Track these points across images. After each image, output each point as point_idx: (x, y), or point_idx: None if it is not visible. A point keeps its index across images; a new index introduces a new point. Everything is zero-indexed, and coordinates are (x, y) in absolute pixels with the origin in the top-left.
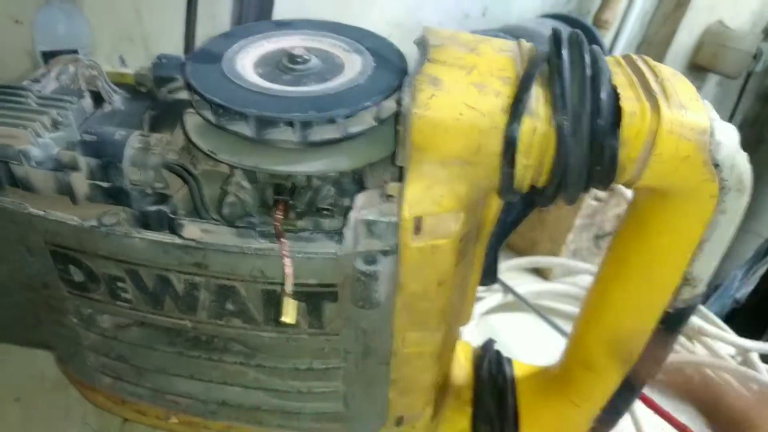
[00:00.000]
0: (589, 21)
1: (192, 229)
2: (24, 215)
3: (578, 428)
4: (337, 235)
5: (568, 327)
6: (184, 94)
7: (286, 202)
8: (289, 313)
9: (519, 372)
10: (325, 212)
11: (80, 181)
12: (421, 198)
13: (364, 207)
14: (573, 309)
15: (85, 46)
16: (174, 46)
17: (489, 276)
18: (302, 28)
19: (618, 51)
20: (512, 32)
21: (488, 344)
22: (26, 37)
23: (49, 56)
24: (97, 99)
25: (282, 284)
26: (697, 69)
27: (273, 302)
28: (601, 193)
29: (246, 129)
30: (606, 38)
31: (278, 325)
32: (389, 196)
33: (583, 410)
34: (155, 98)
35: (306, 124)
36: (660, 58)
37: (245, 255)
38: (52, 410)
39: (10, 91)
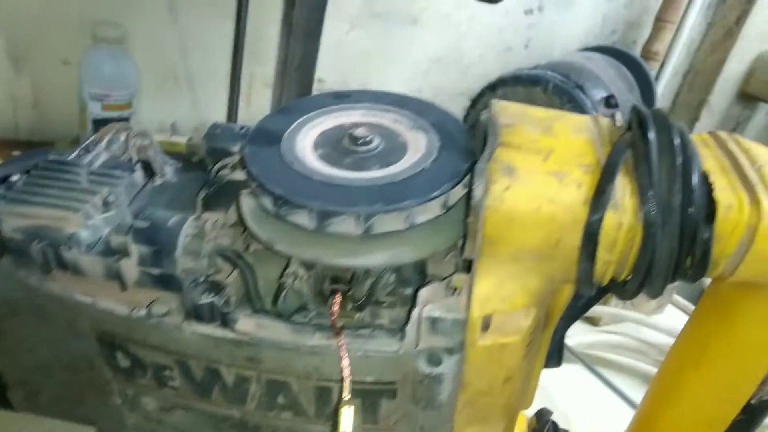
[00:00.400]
0: (636, 52)
1: (246, 324)
2: (71, 301)
3: None
4: (399, 331)
5: (615, 379)
6: (239, 173)
7: (344, 292)
8: (346, 424)
9: None
10: (385, 303)
11: (130, 268)
12: (491, 295)
13: (428, 301)
14: (622, 359)
15: (131, 86)
16: (216, 86)
17: (554, 360)
18: (362, 101)
19: (664, 80)
20: (558, 69)
21: (544, 414)
22: (74, 77)
23: (100, 124)
24: (148, 169)
25: (337, 381)
26: (747, 98)
27: (326, 398)
28: None
29: (306, 220)
30: (653, 69)
31: (331, 419)
32: (455, 289)
33: None
34: (206, 169)
35: (370, 215)
36: (709, 86)
37: (300, 351)
38: None
39: (61, 167)
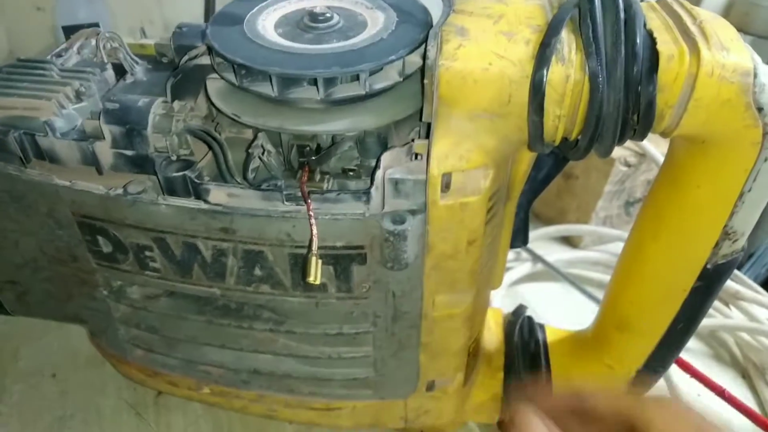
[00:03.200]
0: None
1: (218, 194)
2: (50, 186)
3: None
4: (364, 195)
5: (599, 294)
6: (205, 61)
7: (310, 163)
8: (314, 273)
9: (551, 337)
10: (350, 173)
11: (105, 151)
12: (448, 154)
13: (390, 166)
14: (604, 276)
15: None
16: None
17: (519, 238)
18: None
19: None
20: None
21: (519, 310)
22: (48, 22)
23: (70, 31)
24: (119, 71)
25: (309, 247)
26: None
27: (300, 266)
28: (632, 158)
29: (269, 89)
30: None
31: (306, 290)
32: (416, 155)
33: (617, 373)
34: (177, 67)
35: (330, 82)
36: None
37: (272, 218)
38: (87, 385)
39: (32, 64)
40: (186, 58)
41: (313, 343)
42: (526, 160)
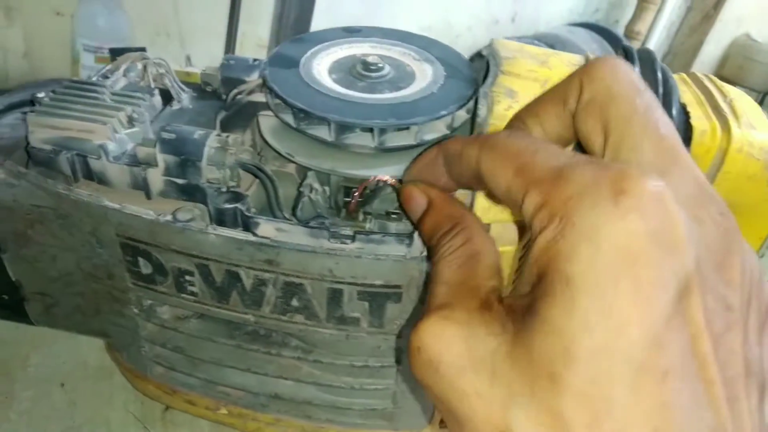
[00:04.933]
0: (619, 31)
1: (267, 228)
2: (99, 208)
3: None
4: (407, 238)
5: None
6: (255, 98)
7: (357, 203)
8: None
9: None
10: (392, 215)
11: (156, 177)
12: (491, 207)
13: None
14: None
15: (124, 39)
16: (208, 43)
17: None
18: (371, 36)
19: None
20: (544, 39)
21: None
22: (66, 29)
23: (116, 53)
24: (165, 97)
25: (348, 284)
26: (721, 81)
27: (337, 301)
28: None
29: (326, 134)
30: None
31: (339, 323)
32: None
33: None
34: (221, 98)
35: (383, 131)
36: (686, 68)
37: (316, 254)
38: (95, 396)
39: (85, 86)
40: (235, 92)
41: (337, 372)
42: None
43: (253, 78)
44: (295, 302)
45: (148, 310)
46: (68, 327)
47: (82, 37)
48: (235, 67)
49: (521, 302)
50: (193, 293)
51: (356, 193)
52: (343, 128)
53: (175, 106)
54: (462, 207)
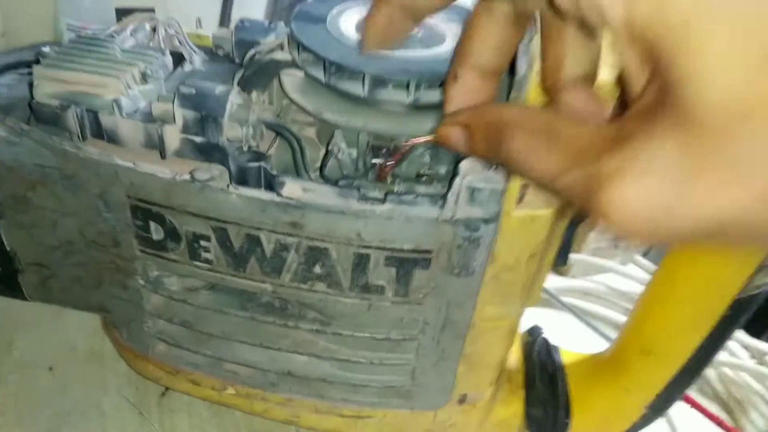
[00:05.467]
0: None
1: (293, 188)
2: (109, 166)
3: (630, 414)
4: (441, 199)
5: (596, 324)
6: (277, 54)
7: (385, 164)
8: None
9: (566, 359)
10: (423, 178)
11: (173, 135)
12: None
13: (468, 173)
14: (593, 306)
15: (110, 20)
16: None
17: (562, 257)
18: None
19: None
20: None
21: (535, 330)
22: (49, 7)
23: (122, 13)
24: (176, 60)
25: (376, 248)
26: None
27: (362, 268)
28: None
29: (358, 89)
30: None
31: (363, 292)
32: (493, 165)
33: (636, 397)
34: (234, 62)
35: (419, 86)
36: None
37: (344, 215)
38: (86, 381)
39: (95, 41)
40: (253, 52)
41: (355, 347)
42: None
43: (270, 39)
44: (317, 269)
45: (155, 281)
46: (65, 302)
47: (66, 16)
48: (250, 29)
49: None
50: (207, 260)
51: (391, 159)
52: (378, 83)
53: (187, 67)
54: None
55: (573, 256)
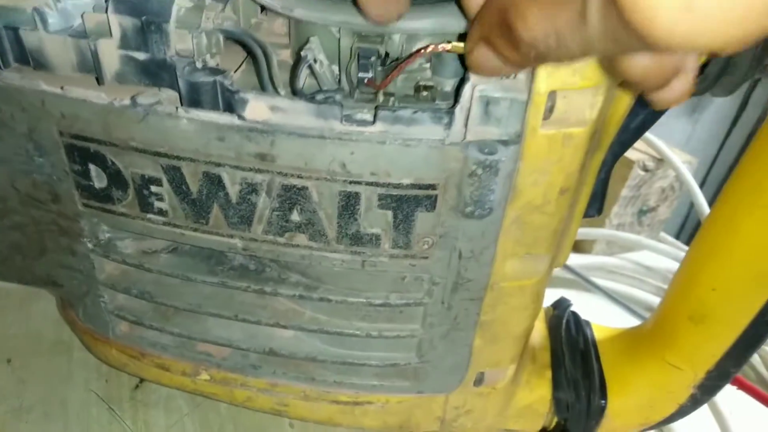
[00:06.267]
0: None
1: (258, 107)
2: (35, 95)
3: (676, 396)
4: (447, 115)
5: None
6: None
7: (372, 77)
8: None
9: (599, 334)
10: (423, 92)
11: (110, 51)
12: (558, 67)
13: (481, 81)
14: (620, 286)
15: None
16: None
17: (595, 204)
18: None
19: None
20: None
21: (562, 303)
22: None
23: None
24: None
25: (367, 184)
26: None
27: (351, 211)
28: (650, 163)
29: None
30: None
31: (354, 244)
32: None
33: (684, 373)
34: None
35: None
36: None
37: (325, 141)
38: (50, 374)
39: None
40: None
41: (349, 316)
42: (624, 102)
43: None
44: (295, 216)
45: (105, 244)
46: (6, 275)
47: None
48: None
49: None
50: (161, 212)
51: (387, 71)
52: None
53: None
54: None
55: (595, 231)
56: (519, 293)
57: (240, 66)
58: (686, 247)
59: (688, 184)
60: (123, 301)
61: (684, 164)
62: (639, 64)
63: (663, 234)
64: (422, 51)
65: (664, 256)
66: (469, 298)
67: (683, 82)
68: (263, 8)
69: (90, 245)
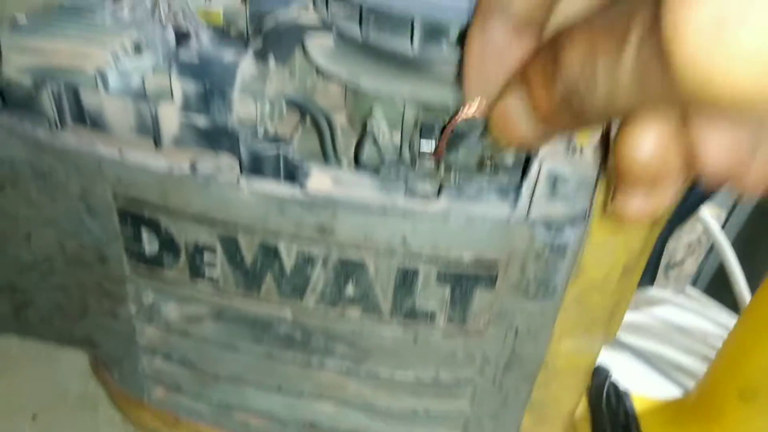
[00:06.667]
0: None
1: (321, 179)
2: (92, 158)
3: None
4: (514, 192)
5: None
6: (300, 20)
7: (443, 146)
8: None
9: (639, 406)
10: (487, 166)
11: (170, 115)
12: None
13: (548, 156)
14: (651, 344)
15: None
16: None
17: (648, 276)
18: None
19: None
20: None
21: (601, 372)
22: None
23: None
24: (179, 38)
25: (426, 262)
26: None
27: (408, 287)
28: None
29: (405, 43)
30: None
31: (407, 318)
32: (579, 149)
33: None
34: (248, 42)
35: None
36: None
37: (387, 216)
38: (75, 430)
39: (80, 9)
40: (271, 20)
41: (395, 391)
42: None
43: (293, 6)
44: (350, 289)
45: (149, 308)
46: (44, 334)
47: None
48: None
49: None
50: (212, 279)
51: (442, 137)
52: (432, 33)
53: (192, 45)
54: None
55: None
56: (572, 372)
57: (297, 129)
58: (713, 302)
59: (717, 239)
60: (162, 365)
61: (712, 218)
62: (716, 146)
63: (689, 288)
64: (458, 117)
65: (690, 312)
66: (521, 377)
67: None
68: (315, 65)
69: (133, 309)
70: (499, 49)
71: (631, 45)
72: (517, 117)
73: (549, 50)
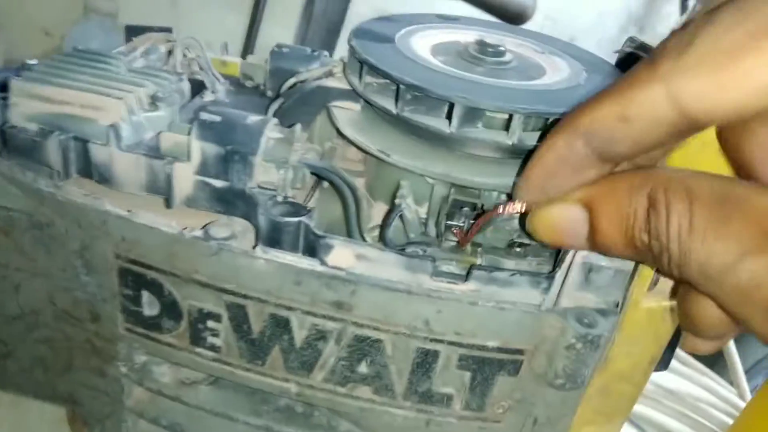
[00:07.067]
0: None
1: (343, 254)
2: (97, 215)
3: None
4: (545, 280)
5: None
6: (327, 82)
7: (463, 227)
8: None
9: None
10: (516, 248)
11: (185, 176)
12: None
13: None
14: (638, 407)
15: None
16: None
17: (664, 361)
18: (473, 25)
19: None
20: None
21: None
22: (54, 50)
23: (134, 32)
24: (195, 87)
25: (449, 344)
26: None
27: (426, 369)
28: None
29: (443, 122)
30: None
31: (422, 401)
32: None
33: None
34: (265, 94)
35: (527, 122)
36: None
37: (411, 296)
38: None
39: (95, 56)
40: (293, 80)
41: None
42: None
43: (314, 67)
44: (363, 368)
45: (141, 369)
46: (23, 388)
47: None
48: (289, 55)
49: None
50: (213, 347)
51: (473, 222)
52: (471, 115)
53: (208, 97)
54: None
55: None
56: None
57: (312, 194)
58: (706, 370)
59: None
60: (148, 428)
61: None
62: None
63: (682, 353)
64: (501, 211)
65: (683, 378)
66: None
67: None
68: (339, 131)
69: (123, 369)
70: (576, 168)
71: (749, 267)
72: (572, 235)
73: (634, 196)
